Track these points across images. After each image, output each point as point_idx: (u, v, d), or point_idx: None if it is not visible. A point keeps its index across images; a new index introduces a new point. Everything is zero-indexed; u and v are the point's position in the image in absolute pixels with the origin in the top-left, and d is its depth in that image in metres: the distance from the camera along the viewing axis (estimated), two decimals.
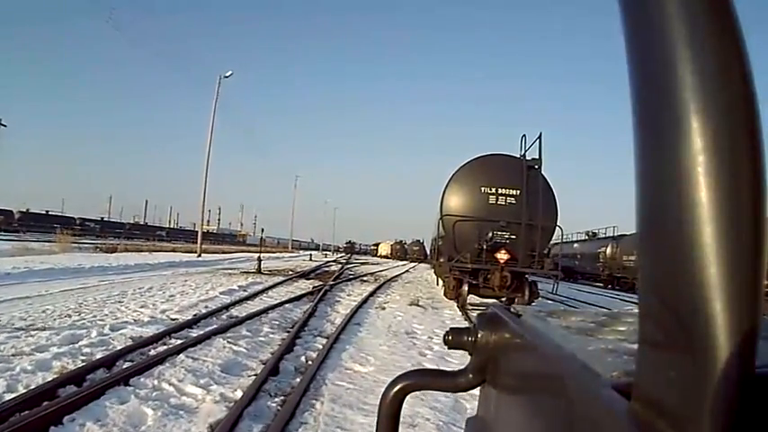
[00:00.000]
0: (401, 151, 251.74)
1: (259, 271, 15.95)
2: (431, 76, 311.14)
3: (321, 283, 13.55)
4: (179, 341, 5.15)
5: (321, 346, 5.30)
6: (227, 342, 5.19)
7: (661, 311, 0.26)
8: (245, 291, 10.30)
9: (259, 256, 17.42)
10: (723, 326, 0.23)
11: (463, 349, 0.59)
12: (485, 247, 9.24)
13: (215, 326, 6.06)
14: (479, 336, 0.57)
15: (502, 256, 9.20)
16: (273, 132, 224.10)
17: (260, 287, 11.08)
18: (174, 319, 6.34)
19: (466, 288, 9.36)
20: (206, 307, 7.58)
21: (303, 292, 10.90)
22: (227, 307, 7.76)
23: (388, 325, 7.03)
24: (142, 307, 6.99)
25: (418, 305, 9.49)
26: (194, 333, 5.64)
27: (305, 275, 16.48)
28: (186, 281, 11.28)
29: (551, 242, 10.54)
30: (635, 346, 0.30)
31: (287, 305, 8.45)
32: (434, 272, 14.35)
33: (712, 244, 0.23)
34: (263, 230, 19.40)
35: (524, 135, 10.47)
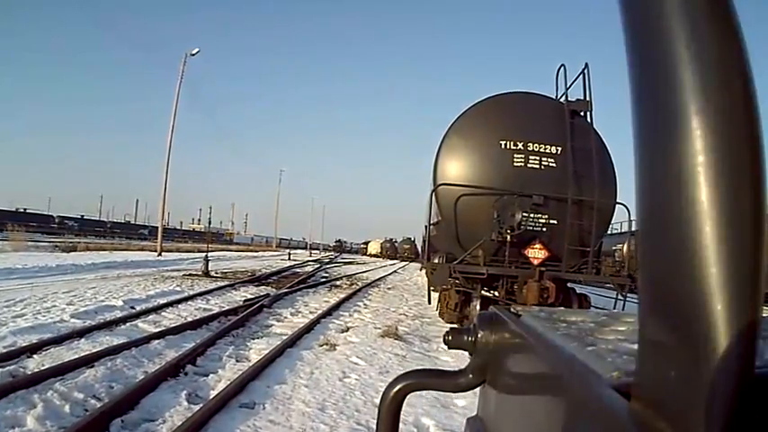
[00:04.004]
0: (398, 150, 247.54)
1: (206, 273, 12.62)
2: (428, 72, 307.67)
3: (272, 290, 9.94)
4: None
5: None
6: None
7: (661, 311, 0.26)
8: (132, 308, 6.66)
9: (206, 256, 13.67)
10: (723, 326, 0.22)
11: (463, 349, 0.60)
12: (508, 238, 5.54)
13: None
14: (479, 336, 0.58)
15: (536, 253, 5.55)
16: (267, 133, 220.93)
17: (168, 299, 7.51)
18: None
19: (477, 306, 5.64)
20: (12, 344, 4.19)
21: (229, 307, 7.23)
22: (39, 348, 4.13)
23: (319, 408, 3.16)
24: None
25: (397, 336, 5.59)
26: None
27: (261, 279, 12.91)
28: (93, 288, 8.41)
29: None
30: (635, 346, 0.29)
31: (161, 341, 4.76)
32: (426, 275, 10.25)
33: (712, 243, 0.23)
34: (209, 222, 15.72)
35: (563, 65, 6.83)
